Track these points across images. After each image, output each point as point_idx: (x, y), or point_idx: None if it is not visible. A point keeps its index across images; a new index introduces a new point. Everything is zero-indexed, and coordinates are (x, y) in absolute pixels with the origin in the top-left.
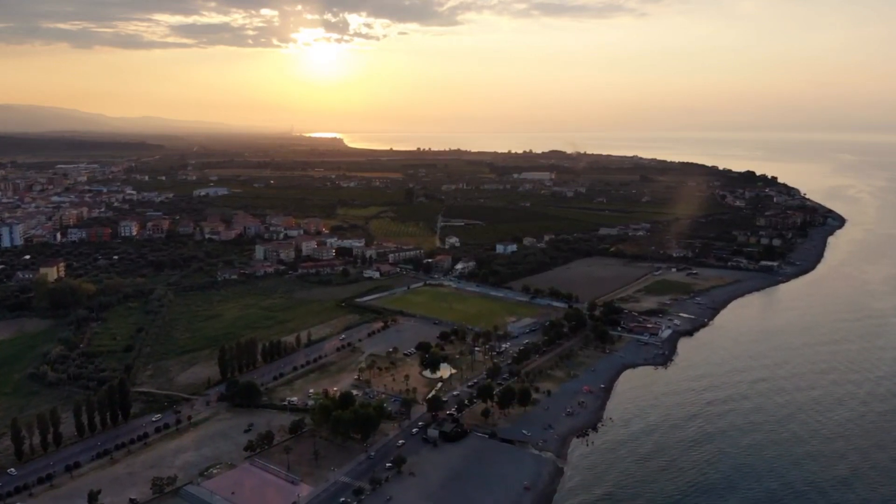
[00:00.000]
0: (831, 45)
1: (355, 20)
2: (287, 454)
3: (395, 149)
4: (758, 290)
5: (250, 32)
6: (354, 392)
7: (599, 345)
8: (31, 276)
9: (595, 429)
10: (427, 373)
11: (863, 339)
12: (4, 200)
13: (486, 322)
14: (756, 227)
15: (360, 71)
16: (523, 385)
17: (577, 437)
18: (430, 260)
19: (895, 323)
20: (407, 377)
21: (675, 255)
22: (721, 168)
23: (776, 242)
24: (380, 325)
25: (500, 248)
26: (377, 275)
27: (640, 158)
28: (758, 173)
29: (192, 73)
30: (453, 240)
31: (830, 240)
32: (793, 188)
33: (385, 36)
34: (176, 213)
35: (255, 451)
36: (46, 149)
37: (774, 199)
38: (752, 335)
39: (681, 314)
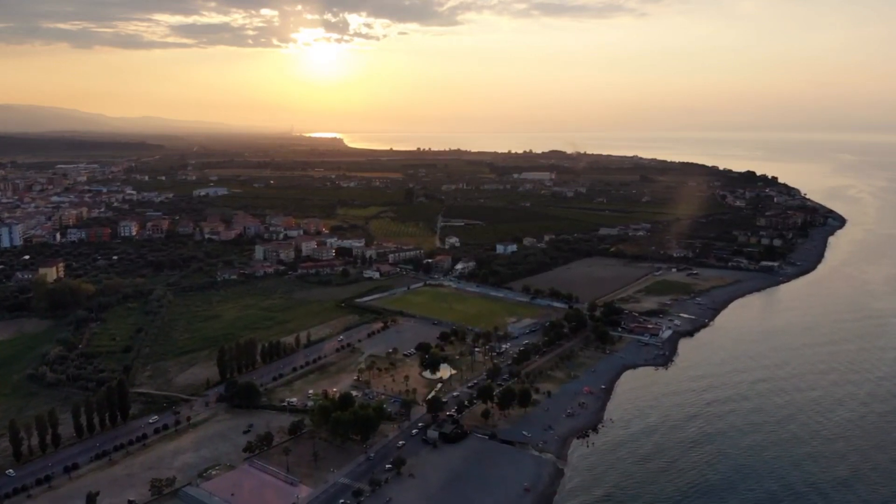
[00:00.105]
0: (831, 45)
1: (355, 20)
2: (286, 455)
3: (395, 149)
4: (758, 290)
5: (250, 32)
6: (354, 393)
7: (600, 345)
8: (30, 276)
9: (595, 430)
10: (427, 374)
11: (863, 340)
12: (4, 200)
13: (486, 323)
14: (756, 228)
15: (360, 71)
16: (523, 386)
17: (578, 438)
18: (430, 260)
19: None
20: (407, 378)
21: (675, 255)
22: (721, 168)
23: (777, 242)
24: (379, 325)
25: (500, 249)
26: (377, 275)
27: (640, 158)
28: (758, 173)
29: (192, 73)
30: (453, 240)
31: (831, 240)
32: (793, 188)
33: (385, 36)
34: (176, 214)
35: (254, 452)
36: (46, 149)
37: (775, 200)
38: (753, 336)
39: (681, 314)
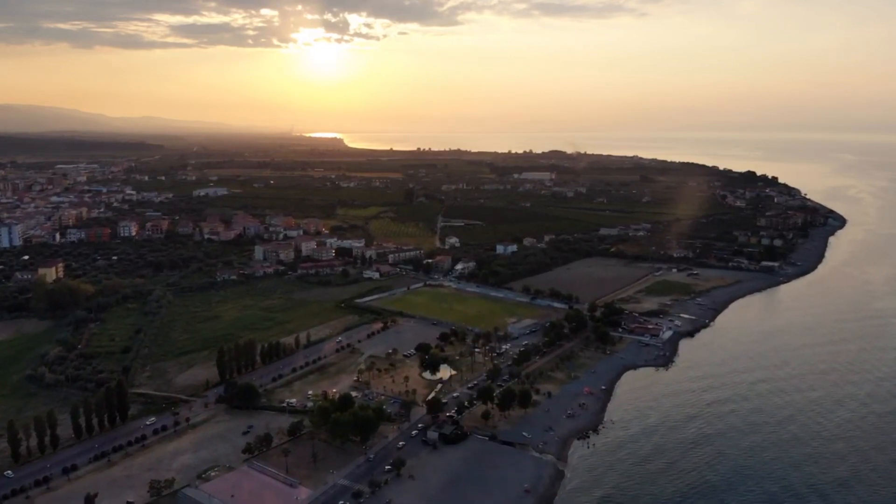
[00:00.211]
0: (831, 45)
1: (355, 20)
2: (286, 457)
3: (395, 149)
4: (759, 290)
5: (250, 32)
6: (354, 394)
7: (600, 346)
8: (29, 276)
9: (596, 431)
10: (427, 374)
11: (863, 340)
12: (4, 201)
13: (486, 323)
14: (757, 228)
15: (360, 71)
16: (524, 387)
17: (578, 439)
18: (429, 260)
19: None
20: (406, 379)
21: (675, 255)
22: (721, 168)
23: (777, 243)
24: (379, 326)
25: (500, 249)
26: (377, 275)
27: (641, 158)
28: (758, 173)
29: (192, 73)
30: (453, 240)
31: (831, 240)
32: (793, 188)
33: (385, 36)
34: (175, 214)
35: (253, 453)
36: (46, 149)
37: (775, 200)
38: (753, 336)
39: (682, 315)
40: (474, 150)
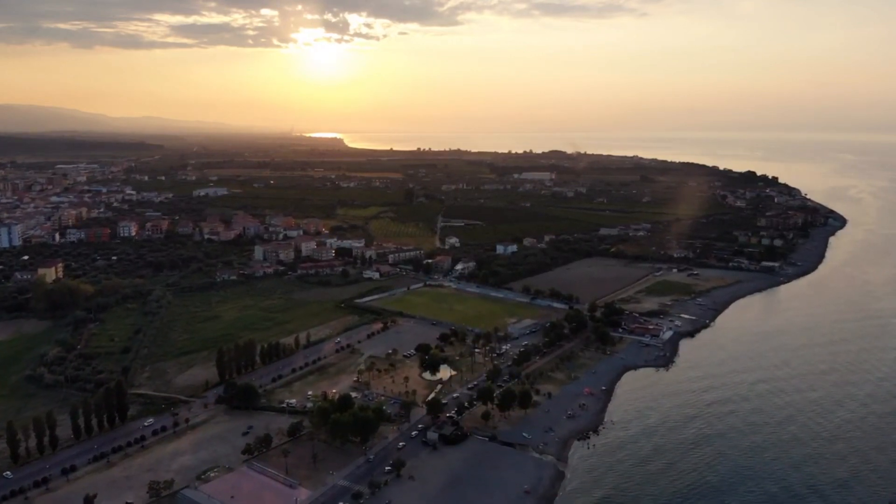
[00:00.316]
0: (831, 45)
1: (355, 20)
2: (285, 457)
3: (395, 149)
4: (759, 290)
5: (250, 32)
6: (353, 394)
7: (600, 346)
8: (29, 276)
9: (596, 431)
10: (427, 375)
11: (864, 340)
12: (3, 201)
13: (486, 323)
14: (757, 228)
15: (360, 71)
16: (524, 387)
17: (578, 439)
18: (429, 260)
19: None
20: (406, 379)
21: (675, 255)
22: (722, 168)
23: (777, 243)
24: (379, 326)
25: (500, 249)
26: (377, 275)
27: (641, 158)
28: (758, 173)
29: (192, 73)
30: (453, 240)
31: (832, 240)
32: (794, 188)
33: (385, 36)
34: (175, 214)
35: (253, 454)
36: (46, 149)
37: (775, 200)
38: (753, 336)
39: (682, 315)
40: (474, 150)
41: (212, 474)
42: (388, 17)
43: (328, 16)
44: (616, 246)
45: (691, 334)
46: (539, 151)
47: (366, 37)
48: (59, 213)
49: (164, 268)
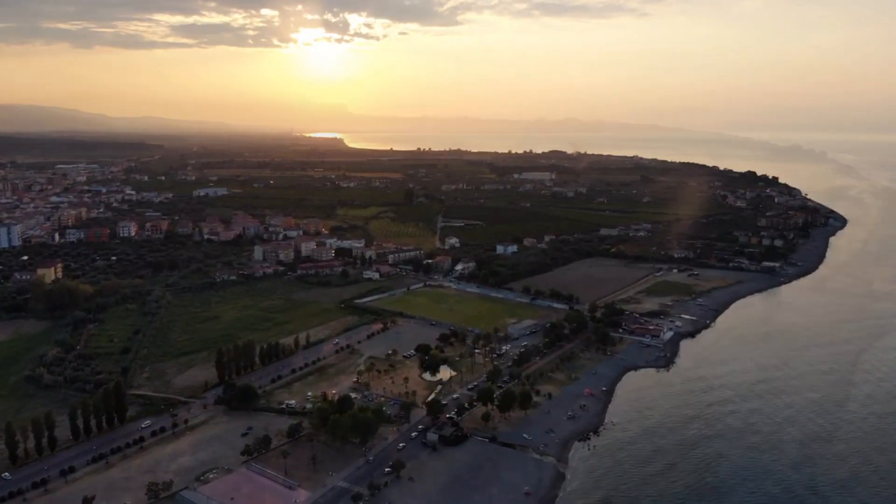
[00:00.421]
0: (831, 45)
1: (355, 20)
2: (285, 458)
3: (395, 149)
4: (759, 291)
5: (250, 32)
6: (353, 395)
7: (601, 347)
8: (28, 277)
9: (597, 432)
10: (427, 375)
11: (864, 341)
12: (3, 201)
13: (486, 324)
14: (757, 228)
15: (360, 71)
16: (524, 388)
17: (579, 440)
18: (429, 261)
19: None
20: (406, 380)
21: (676, 255)
22: (722, 168)
23: (778, 243)
24: (379, 326)
25: (500, 249)
26: (377, 276)
27: (641, 158)
28: (759, 173)
29: (192, 73)
30: (453, 240)
31: (832, 240)
32: (794, 188)
33: (385, 36)
34: (175, 214)
35: (252, 455)
36: (46, 149)
37: (776, 200)
38: (754, 337)
39: (682, 315)
40: (474, 150)
41: (211, 475)
42: (388, 17)
43: (328, 16)
44: (616, 246)
45: (692, 335)
46: (539, 151)
47: (366, 37)
48: (59, 213)
49: (164, 268)
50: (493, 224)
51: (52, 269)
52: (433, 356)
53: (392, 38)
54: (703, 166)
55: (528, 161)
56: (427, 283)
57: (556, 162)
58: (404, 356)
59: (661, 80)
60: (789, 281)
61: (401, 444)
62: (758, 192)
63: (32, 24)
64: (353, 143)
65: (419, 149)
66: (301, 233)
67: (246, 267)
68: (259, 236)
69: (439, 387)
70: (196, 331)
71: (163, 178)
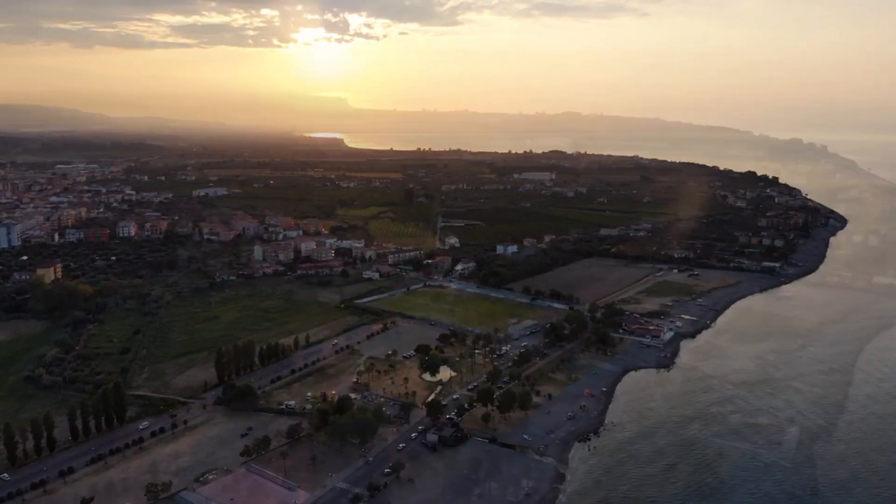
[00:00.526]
0: (831, 45)
1: (356, 20)
2: (284, 459)
3: (395, 149)
4: (760, 291)
5: (251, 32)
6: (353, 396)
7: (601, 347)
8: (27, 277)
9: (597, 433)
10: (426, 376)
11: (864, 341)
12: (3, 201)
13: (486, 324)
14: (758, 228)
15: (360, 71)
16: (524, 388)
17: (579, 441)
18: (429, 261)
19: None
20: (406, 380)
21: (676, 255)
22: (722, 168)
23: (778, 243)
24: (379, 327)
25: (500, 249)
26: (377, 276)
27: (641, 158)
28: (759, 173)
29: (192, 73)
30: (453, 240)
31: (832, 240)
32: (794, 188)
33: (385, 36)
34: (175, 214)
35: (251, 455)
36: (46, 149)
37: (776, 200)
38: (754, 337)
39: (683, 316)
40: (474, 150)
41: (210, 476)
42: (388, 17)
43: (328, 16)
44: (616, 246)
45: (692, 335)
46: (539, 151)
47: (366, 37)
48: (59, 213)
49: (164, 268)
50: (493, 224)
51: (52, 269)
52: (433, 356)
53: (392, 38)
54: (704, 166)
55: (528, 161)
56: (427, 283)
57: (556, 162)
58: (404, 356)
59: (661, 77)
60: (790, 281)
61: (400, 445)
62: (758, 192)
63: (32, 24)
64: (353, 142)
65: (419, 149)
66: (301, 233)
67: (246, 267)
68: (259, 236)
69: (439, 387)
70: (195, 331)
71: (163, 178)
